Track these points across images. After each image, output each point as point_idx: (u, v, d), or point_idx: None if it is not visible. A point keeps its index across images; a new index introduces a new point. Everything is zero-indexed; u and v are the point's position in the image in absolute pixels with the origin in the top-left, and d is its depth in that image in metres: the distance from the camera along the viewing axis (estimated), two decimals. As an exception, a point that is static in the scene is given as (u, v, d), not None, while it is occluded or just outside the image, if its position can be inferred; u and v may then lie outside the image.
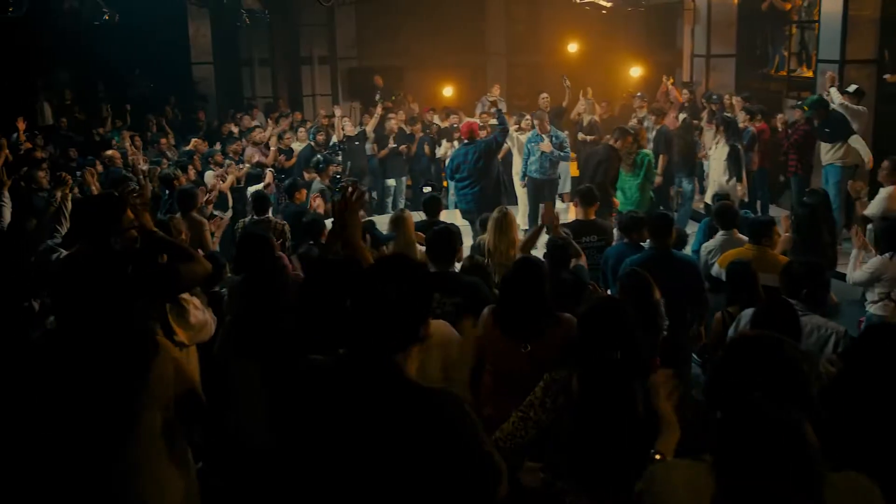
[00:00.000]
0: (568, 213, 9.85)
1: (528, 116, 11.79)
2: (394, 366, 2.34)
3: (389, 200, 13.67)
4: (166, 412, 2.94)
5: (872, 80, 11.60)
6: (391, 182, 13.60)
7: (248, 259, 4.73)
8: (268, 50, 19.05)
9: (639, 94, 13.33)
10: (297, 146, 13.00)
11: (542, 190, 10.99)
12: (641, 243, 6.45)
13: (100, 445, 2.82)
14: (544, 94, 13.38)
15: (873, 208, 8.08)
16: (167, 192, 8.86)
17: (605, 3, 13.39)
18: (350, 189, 3.61)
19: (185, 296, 4.46)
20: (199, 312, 4.40)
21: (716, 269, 6.26)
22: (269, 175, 9.87)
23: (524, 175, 11.15)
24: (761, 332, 3.10)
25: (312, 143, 12.50)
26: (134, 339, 2.97)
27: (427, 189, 8.70)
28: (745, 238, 6.54)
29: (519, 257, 4.19)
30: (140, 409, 2.87)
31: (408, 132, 13.74)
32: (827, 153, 10.28)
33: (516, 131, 11.73)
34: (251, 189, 9.61)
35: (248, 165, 10.95)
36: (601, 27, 17.13)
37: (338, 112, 13.48)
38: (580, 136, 13.20)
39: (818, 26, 12.65)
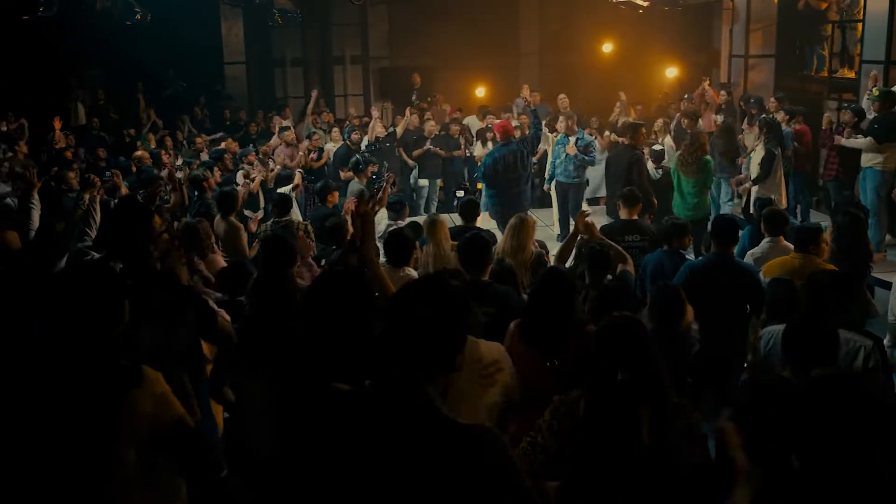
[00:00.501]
0: (601, 216, 9.64)
1: (561, 118, 11.59)
2: (426, 398, 2.15)
3: (422, 202, 13.56)
4: (144, 448, 2.75)
5: (918, 82, 11.25)
6: (424, 182, 13.49)
7: (266, 263, 4.65)
8: (300, 50, 18.99)
9: (686, 95, 13.07)
10: (331, 146, 12.95)
11: (567, 193, 10.81)
12: (682, 251, 6.27)
13: (72, 481, 2.66)
14: (562, 96, 13.23)
15: None
16: (196, 193, 8.80)
17: (641, 3, 13.16)
18: (368, 200, 3.47)
19: (214, 305, 4.39)
20: (226, 323, 4.32)
21: (761, 279, 6.04)
22: (297, 176, 9.78)
23: (551, 178, 10.96)
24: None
25: (348, 142, 12.42)
26: (110, 369, 2.75)
27: (461, 193, 8.47)
28: (791, 246, 6.33)
29: (547, 267, 4.03)
30: (114, 444, 2.69)
31: (442, 134, 13.61)
32: (867, 155, 9.97)
33: (550, 133, 11.55)
34: (279, 191, 9.55)
35: (278, 167, 10.87)
36: (636, 27, 16.83)
37: (375, 113, 13.41)
38: (613, 137, 12.99)
39: (861, 26, 12.32)
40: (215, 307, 4.35)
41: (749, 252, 6.64)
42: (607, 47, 17.31)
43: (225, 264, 6.39)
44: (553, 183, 11.14)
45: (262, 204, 10.25)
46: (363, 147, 12.45)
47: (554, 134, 11.17)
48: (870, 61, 11.68)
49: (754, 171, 9.99)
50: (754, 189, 10.02)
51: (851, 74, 13.34)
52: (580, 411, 3.05)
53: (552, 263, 6.00)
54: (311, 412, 2.33)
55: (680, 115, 12.24)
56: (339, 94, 18.90)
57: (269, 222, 8.24)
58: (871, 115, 10.16)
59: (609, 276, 5.52)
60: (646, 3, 13.15)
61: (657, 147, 10.44)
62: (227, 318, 4.38)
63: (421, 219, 12.92)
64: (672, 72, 16.27)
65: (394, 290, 3.49)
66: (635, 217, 7.27)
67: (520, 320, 4.06)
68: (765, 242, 6.51)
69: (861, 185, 10.13)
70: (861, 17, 12.69)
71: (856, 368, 3.99)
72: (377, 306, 3.05)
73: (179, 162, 10.83)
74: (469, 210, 7.76)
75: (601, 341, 3.13)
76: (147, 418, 2.74)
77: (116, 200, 7.24)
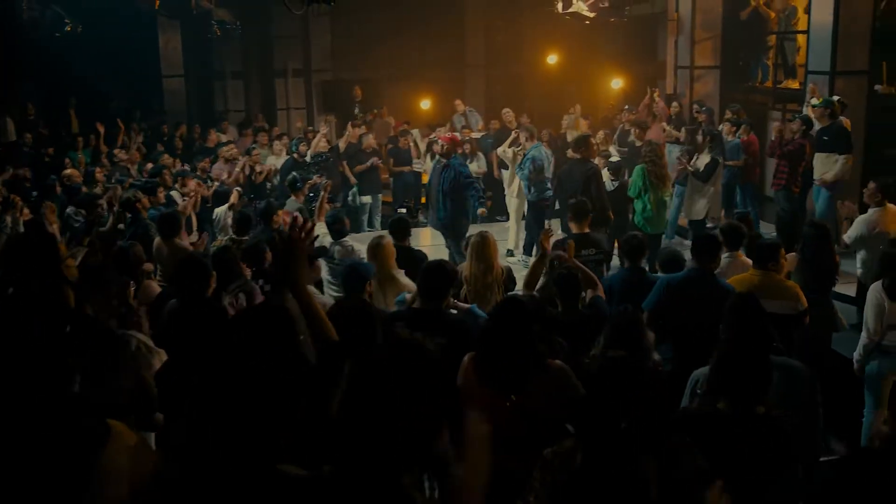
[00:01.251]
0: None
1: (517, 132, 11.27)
2: (401, 491, 1.79)
3: (365, 218, 13.19)
4: None
5: (863, 92, 11.26)
6: (367, 199, 13.13)
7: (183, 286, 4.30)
8: (240, 62, 18.52)
9: (626, 106, 12.98)
10: (274, 160, 12.54)
11: (526, 210, 10.58)
12: (643, 267, 6.05)
13: None
14: (506, 110, 13.07)
15: (854, 231, 7.68)
16: (129, 216, 8.22)
17: (587, 14, 13.00)
18: (296, 225, 3.08)
19: (149, 344, 4.00)
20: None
21: None
22: (234, 194, 9.30)
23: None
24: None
25: (295, 155, 12.09)
26: (73, 430, 2.39)
27: (402, 210, 8.11)
28: (750, 261, 6.14)
29: (506, 297, 3.71)
30: None
31: (390, 147, 13.30)
32: (821, 167, 9.88)
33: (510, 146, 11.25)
34: (218, 210, 9.06)
35: (215, 184, 10.37)
36: (582, 38, 16.74)
37: (323, 128, 13.02)
38: (569, 153, 12.78)
39: (806, 37, 12.34)
40: (149, 346, 3.95)
41: None
42: (553, 59, 17.22)
43: (160, 290, 5.94)
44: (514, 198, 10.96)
45: (194, 225, 9.74)
46: (309, 159, 12.12)
47: (519, 147, 10.76)
48: (815, 72, 11.67)
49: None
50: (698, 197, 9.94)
51: (796, 85, 13.39)
52: (577, 463, 2.72)
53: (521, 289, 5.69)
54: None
55: (626, 125, 12.10)
56: (281, 107, 18.46)
57: (224, 239, 7.77)
58: (817, 126, 10.09)
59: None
60: (592, 15, 12.99)
61: (614, 159, 10.25)
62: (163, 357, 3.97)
63: (365, 236, 12.72)
64: (617, 83, 16.22)
65: (355, 329, 3.12)
66: (587, 230, 7.08)
67: (473, 353, 3.74)
68: (724, 257, 6.28)
69: (814, 196, 10.04)
70: (802, 29, 12.77)
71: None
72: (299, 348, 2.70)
73: (112, 180, 10.25)
74: (400, 229, 7.26)
75: (599, 382, 2.82)
76: (124, 475, 2.40)
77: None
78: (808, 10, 12.17)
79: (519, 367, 3.58)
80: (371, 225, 13.21)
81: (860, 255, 7.55)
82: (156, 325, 4.68)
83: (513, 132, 11.09)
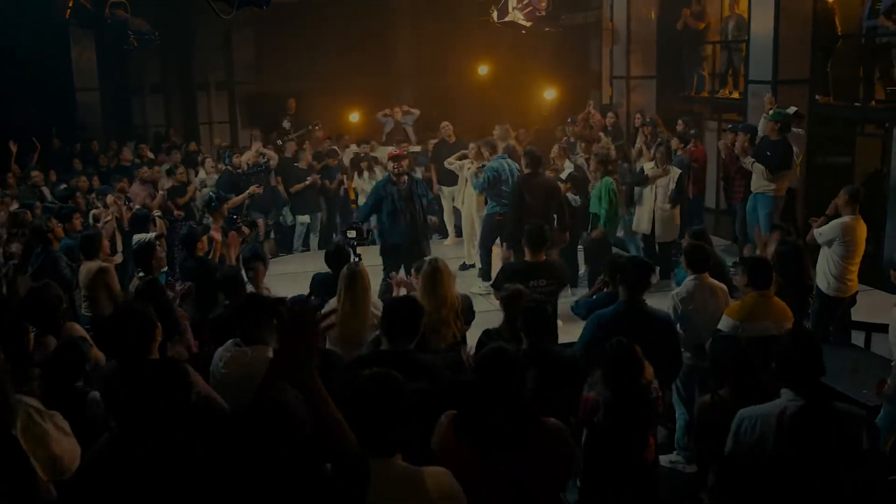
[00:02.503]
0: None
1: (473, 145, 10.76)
2: None
3: (300, 240, 12.54)
4: None
5: (805, 101, 11.16)
6: (304, 219, 12.48)
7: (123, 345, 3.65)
8: (159, 75, 17.60)
9: (570, 118, 12.65)
10: (204, 177, 11.86)
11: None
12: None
13: None
14: (445, 123, 12.76)
15: (829, 233, 7.39)
16: (39, 247, 7.27)
17: (524, 23, 12.64)
18: (308, 309, 2.41)
19: (40, 408, 3.34)
20: (63, 437, 3.27)
21: (727, 323, 5.40)
22: (159, 224, 8.48)
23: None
24: None
25: (230, 167, 11.48)
26: None
27: (351, 233, 7.31)
28: (717, 283, 5.77)
29: (491, 346, 3.19)
30: None
31: (318, 166, 12.63)
32: (759, 180, 9.64)
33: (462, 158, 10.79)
34: (136, 237, 8.22)
35: (136, 206, 9.53)
36: (512, 49, 16.43)
37: (255, 146, 12.31)
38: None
39: (745, 46, 12.25)
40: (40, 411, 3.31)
41: (673, 293, 5.98)
42: (483, 70, 16.87)
43: (83, 333, 5.13)
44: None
45: (119, 248, 8.96)
46: (246, 169, 11.57)
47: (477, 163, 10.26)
48: (756, 81, 11.56)
49: (662, 195, 9.60)
50: (657, 212, 9.61)
51: (735, 95, 13.30)
52: None
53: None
54: None
55: (570, 138, 11.75)
56: (203, 121, 17.63)
57: (138, 275, 6.76)
58: (762, 135, 9.86)
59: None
60: (529, 24, 12.65)
61: (575, 173, 9.81)
62: (62, 425, 3.32)
63: (296, 257, 12.06)
64: (550, 94, 15.93)
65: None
66: (542, 258, 6.44)
67: (453, 413, 3.20)
68: (689, 281, 5.90)
69: (750, 210, 9.80)
70: (740, 38, 12.69)
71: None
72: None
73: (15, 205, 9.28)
74: (336, 259, 6.34)
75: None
76: None
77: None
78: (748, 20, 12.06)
79: (510, 426, 3.07)
80: (307, 245, 12.57)
81: (831, 268, 7.21)
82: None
83: (470, 146, 10.58)
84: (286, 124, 15.23)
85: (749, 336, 4.89)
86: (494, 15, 12.91)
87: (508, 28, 13.49)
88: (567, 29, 15.50)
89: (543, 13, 12.60)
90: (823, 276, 7.10)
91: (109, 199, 9.60)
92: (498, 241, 9.50)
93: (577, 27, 16.19)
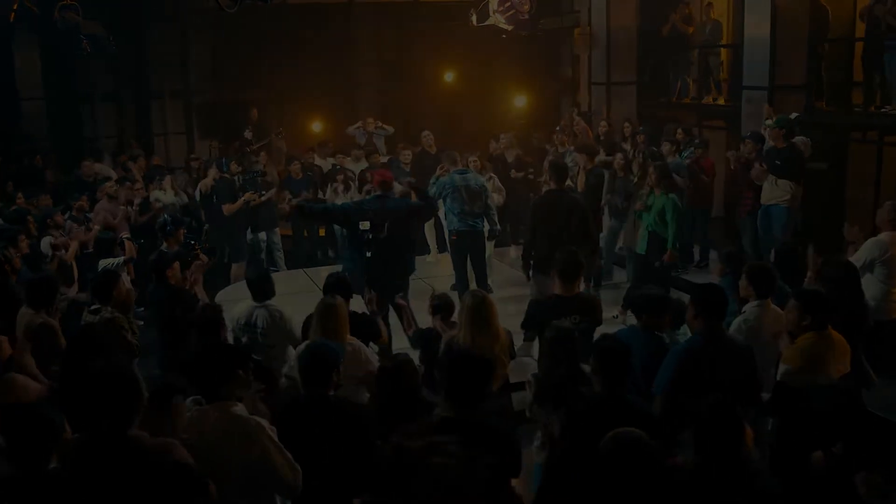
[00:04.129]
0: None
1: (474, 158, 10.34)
2: None
3: (263, 256, 11.69)
4: None
5: (801, 107, 10.75)
6: (261, 236, 11.63)
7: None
8: (111, 83, 16.52)
9: (558, 127, 12.09)
10: (161, 196, 10.92)
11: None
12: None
13: None
14: (426, 132, 12.31)
15: (864, 254, 6.87)
16: None
17: (506, 26, 12.04)
18: None
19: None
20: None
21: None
22: (129, 246, 7.60)
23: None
24: None
25: (226, 174, 10.83)
26: None
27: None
28: (781, 311, 5.13)
29: (621, 436, 2.50)
30: None
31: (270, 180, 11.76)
32: (772, 192, 9.14)
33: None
34: (103, 262, 7.33)
35: (97, 227, 8.59)
36: (480, 55, 15.79)
37: (212, 172, 11.21)
38: (513, 173, 11.92)
39: (727, 52, 11.87)
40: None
41: (737, 321, 5.28)
42: (449, 76, 16.27)
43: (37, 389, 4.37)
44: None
45: (75, 275, 8.01)
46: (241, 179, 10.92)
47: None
48: (751, 87, 11.14)
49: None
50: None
51: (721, 100, 12.92)
52: None
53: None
54: None
55: (559, 147, 11.16)
56: (158, 132, 16.63)
57: (88, 308, 5.97)
58: (768, 147, 9.37)
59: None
60: (510, 27, 12.05)
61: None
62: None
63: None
64: (521, 100, 15.38)
65: None
66: (577, 291, 5.65)
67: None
68: (752, 307, 5.24)
69: (762, 223, 9.28)
70: (725, 43, 12.35)
71: None
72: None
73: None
74: (260, 287, 5.92)
75: None
76: None
77: None
78: (741, 25, 11.64)
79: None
80: (273, 264, 11.71)
81: (870, 289, 6.64)
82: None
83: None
84: (248, 134, 14.46)
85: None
86: (474, 18, 12.26)
87: (484, 32, 12.86)
88: (543, 33, 15.00)
89: (526, 16, 12.00)
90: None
91: (60, 220, 8.62)
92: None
93: (547, 33, 15.63)
